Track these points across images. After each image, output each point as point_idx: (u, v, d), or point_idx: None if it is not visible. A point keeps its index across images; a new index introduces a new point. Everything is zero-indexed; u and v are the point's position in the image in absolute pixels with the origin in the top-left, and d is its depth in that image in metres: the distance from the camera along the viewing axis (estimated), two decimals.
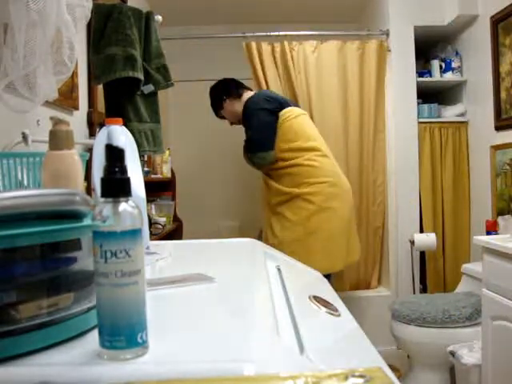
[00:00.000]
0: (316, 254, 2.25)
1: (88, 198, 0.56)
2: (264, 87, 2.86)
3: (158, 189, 2.98)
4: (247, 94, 2.56)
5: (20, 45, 1.05)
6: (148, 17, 1.91)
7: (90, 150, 1.53)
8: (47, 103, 1.48)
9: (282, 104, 2.44)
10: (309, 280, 1.11)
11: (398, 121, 2.91)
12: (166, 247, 1.21)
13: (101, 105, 2.02)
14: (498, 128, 2.60)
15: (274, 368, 0.45)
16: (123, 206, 0.47)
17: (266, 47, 2.87)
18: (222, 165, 3.69)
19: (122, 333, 0.46)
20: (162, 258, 1.02)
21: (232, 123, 2.69)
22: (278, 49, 2.87)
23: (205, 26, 3.46)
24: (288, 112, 2.42)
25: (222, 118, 2.69)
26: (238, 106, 2.56)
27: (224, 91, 2.59)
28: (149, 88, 1.90)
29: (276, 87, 2.86)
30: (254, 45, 2.86)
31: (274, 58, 2.89)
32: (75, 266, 0.53)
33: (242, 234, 3.38)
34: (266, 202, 2.52)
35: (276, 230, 2.39)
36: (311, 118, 2.87)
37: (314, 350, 0.55)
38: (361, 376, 0.41)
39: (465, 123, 2.96)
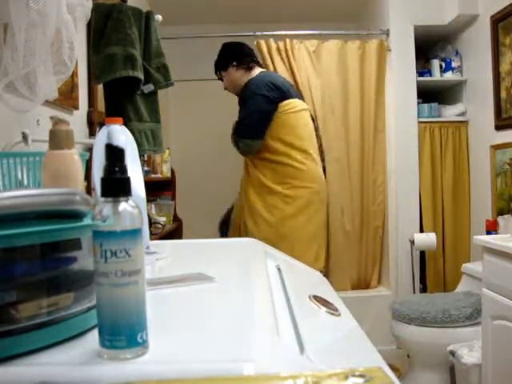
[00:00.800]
0: None
1: (88, 198, 0.56)
2: None
3: (157, 188, 2.98)
4: (255, 71, 2.44)
5: (20, 44, 1.05)
6: (148, 16, 1.91)
7: (89, 149, 1.53)
8: (47, 103, 1.48)
9: (284, 94, 2.34)
10: (309, 280, 1.11)
11: (398, 120, 2.91)
12: (165, 247, 1.21)
13: (101, 104, 2.02)
14: (498, 127, 2.60)
15: (274, 368, 0.45)
16: (123, 206, 0.47)
17: (271, 45, 2.87)
18: (222, 164, 3.69)
19: (122, 332, 0.46)
20: (161, 258, 1.02)
21: (226, 88, 2.57)
22: (282, 48, 2.87)
23: (204, 25, 3.46)
24: (289, 104, 2.33)
25: (220, 79, 2.56)
26: (241, 77, 2.43)
27: (236, 56, 2.46)
28: (149, 87, 1.90)
29: None
30: (264, 43, 2.86)
31: (281, 56, 2.88)
32: (75, 265, 0.53)
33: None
34: (243, 189, 2.46)
35: (248, 224, 2.36)
36: (312, 117, 2.87)
37: (314, 350, 0.55)
38: (361, 376, 0.40)
39: (465, 123, 2.95)
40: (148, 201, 1.60)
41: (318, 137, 2.70)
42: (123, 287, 0.46)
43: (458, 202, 2.93)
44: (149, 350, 0.48)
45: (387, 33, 2.93)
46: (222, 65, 2.50)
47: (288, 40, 2.86)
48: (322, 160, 2.67)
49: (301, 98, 2.56)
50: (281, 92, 2.34)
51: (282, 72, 2.85)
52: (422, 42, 2.93)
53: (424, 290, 2.97)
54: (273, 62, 2.86)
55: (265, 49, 2.86)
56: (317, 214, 2.37)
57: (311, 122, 2.53)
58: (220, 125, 2.90)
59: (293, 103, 2.36)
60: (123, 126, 1.05)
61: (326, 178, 2.62)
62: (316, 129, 2.63)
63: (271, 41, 2.86)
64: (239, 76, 2.45)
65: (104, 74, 1.72)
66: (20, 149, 1.21)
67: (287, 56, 2.86)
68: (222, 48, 2.53)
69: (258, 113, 2.31)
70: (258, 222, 2.34)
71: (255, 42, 2.87)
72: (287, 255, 2.21)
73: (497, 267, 1.78)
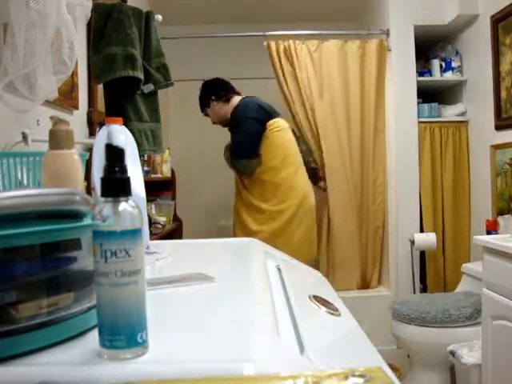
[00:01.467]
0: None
1: (88, 198, 0.56)
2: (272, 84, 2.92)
3: (157, 188, 2.98)
4: (236, 99, 2.58)
5: (20, 44, 1.05)
6: (148, 16, 1.91)
7: (89, 149, 1.53)
8: (47, 103, 1.48)
9: (270, 114, 2.49)
10: (309, 280, 1.11)
11: (398, 120, 2.91)
12: (165, 247, 1.21)
13: (101, 104, 2.01)
14: (498, 127, 2.60)
15: (274, 368, 0.45)
16: (123, 206, 0.47)
17: (279, 46, 2.88)
18: (222, 164, 3.67)
19: (122, 332, 0.46)
20: (161, 258, 1.02)
21: (214, 123, 2.71)
22: (286, 48, 2.88)
23: (204, 25, 3.46)
24: (274, 123, 2.47)
25: (206, 115, 2.71)
26: (224, 109, 2.59)
27: (214, 91, 2.62)
28: (149, 87, 1.90)
29: (283, 86, 2.90)
30: (273, 44, 2.87)
31: (286, 56, 2.89)
32: (75, 265, 0.53)
33: None
34: (235, 208, 2.61)
35: (236, 232, 2.51)
36: (311, 117, 2.88)
37: (314, 350, 0.55)
38: (361, 376, 0.40)
39: (465, 123, 2.95)
40: (148, 201, 1.60)
41: (307, 149, 2.83)
42: (123, 287, 0.46)
43: (458, 201, 2.93)
44: (149, 349, 0.48)
45: (387, 33, 2.93)
46: (204, 102, 2.68)
47: (291, 41, 2.86)
48: (316, 164, 2.83)
49: (280, 117, 2.66)
50: (267, 113, 2.49)
51: (287, 73, 2.86)
52: (422, 42, 2.93)
53: (424, 289, 2.97)
54: (280, 62, 2.87)
55: (273, 48, 2.87)
56: (303, 220, 2.46)
57: (293, 137, 2.64)
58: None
59: (277, 122, 2.50)
60: (123, 126, 1.05)
61: (325, 178, 2.77)
62: (298, 143, 2.71)
63: (280, 42, 2.88)
64: (221, 108, 2.61)
65: (104, 73, 1.72)
66: (20, 149, 1.21)
67: (291, 56, 2.87)
68: (201, 88, 2.70)
69: (252, 134, 2.45)
70: (246, 231, 2.44)
71: (265, 43, 2.87)
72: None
73: (497, 267, 1.78)
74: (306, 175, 2.58)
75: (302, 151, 2.70)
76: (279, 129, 2.48)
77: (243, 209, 2.53)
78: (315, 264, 2.76)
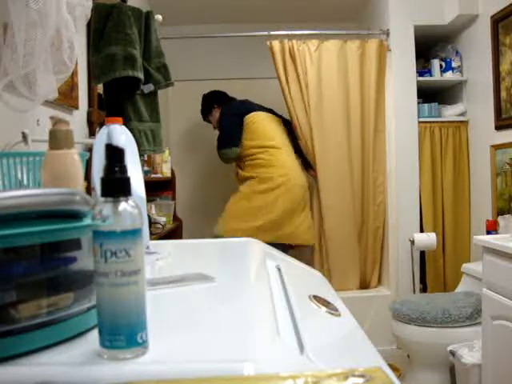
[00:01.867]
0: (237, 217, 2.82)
1: (88, 198, 0.56)
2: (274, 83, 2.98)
3: (157, 188, 2.98)
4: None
5: (20, 44, 1.05)
6: (148, 16, 1.91)
7: (89, 149, 1.53)
8: (47, 102, 1.48)
9: (248, 109, 2.91)
10: (309, 280, 1.11)
11: (398, 120, 2.91)
12: (165, 247, 1.21)
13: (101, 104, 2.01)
14: (498, 127, 2.60)
15: (274, 368, 0.45)
16: (123, 206, 0.47)
17: (284, 45, 2.88)
18: (222, 164, 3.68)
19: (122, 332, 0.46)
20: (161, 258, 1.02)
21: (215, 128, 3.12)
22: (286, 47, 2.88)
23: (204, 25, 3.46)
24: (252, 116, 2.89)
25: (209, 122, 3.17)
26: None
27: (215, 100, 3.06)
28: (149, 87, 1.90)
29: (283, 86, 2.91)
30: (276, 44, 2.87)
31: (290, 55, 2.89)
32: (75, 265, 0.53)
33: None
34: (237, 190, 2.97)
35: (230, 200, 2.94)
36: (311, 117, 2.88)
37: (314, 350, 0.55)
38: (361, 376, 0.40)
39: (465, 123, 2.95)
40: (148, 201, 1.60)
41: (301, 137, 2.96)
42: (123, 287, 0.46)
43: (458, 201, 2.93)
44: (149, 349, 0.48)
45: (387, 33, 2.93)
46: (206, 111, 3.13)
47: (292, 40, 2.86)
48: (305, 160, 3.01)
49: (268, 111, 3.00)
50: (245, 107, 2.93)
51: (289, 71, 2.86)
52: (422, 42, 2.93)
53: (424, 289, 2.97)
54: (283, 62, 2.87)
55: (275, 48, 2.87)
56: (286, 193, 2.78)
57: (282, 125, 2.99)
58: None
59: (256, 115, 2.90)
60: (123, 126, 1.05)
61: (317, 173, 2.94)
62: (292, 131, 2.98)
63: (282, 41, 2.88)
64: (218, 113, 3.05)
65: (104, 73, 1.72)
66: (20, 149, 1.21)
67: (291, 56, 2.87)
68: (202, 98, 3.14)
69: (227, 127, 2.93)
70: (236, 197, 2.90)
71: (268, 43, 2.87)
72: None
73: (497, 267, 1.78)
74: (292, 156, 2.91)
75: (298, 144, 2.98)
76: (258, 119, 2.89)
77: (239, 185, 2.95)
78: (311, 249, 2.98)
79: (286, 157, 2.87)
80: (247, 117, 2.89)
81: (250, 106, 2.95)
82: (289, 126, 3.00)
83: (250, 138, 2.87)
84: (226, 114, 2.96)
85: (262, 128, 2.89)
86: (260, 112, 2.93)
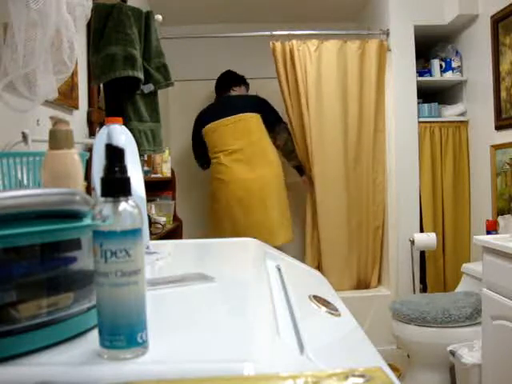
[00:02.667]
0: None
1: (88, 198, 0.56)
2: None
3: (157, 188, 2.98)
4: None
5: (20, 44, 1.05)
6: (148, 16, 1.91)
7: (89, 149, 1.53)
8: (47, 103, 1.48)
9: (205, 121, 3.00)
10: (309, 280, 1.11)
11: (398, 120, 2.91)
12: (165, 247, 1.21)
13: (101, 104, 2.01)
14: (498, 127, 2.60)
15: (274, 368, 0.45)
16: (123, 206, 0.47)
17: (285, 46, 2.88)
18: None
19: (122, 332, 0.46)
20: (161, 258, 1.02)
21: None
22: (287, 48, 2.88)
23: (204, 25, 3.45)
24: (207, 128, 2.99)
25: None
26: None
27: (234, 80, 3.14)
28: (149, 87, 1.90)
29: (283, 86, 2.91)
30: (277, 44, 2.88)
31: (290, 56, 2.90)
32: (75, 265, 0.53)
33: None
34: None
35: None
36: (311, 117, 2.87)
37: (314, 350, 0.55)
38: (361, 376, 0.40)
39: (465, 123, 2.95)
40: (148, 201, 1.60)
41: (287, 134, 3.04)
42: (123, 287, 0.46)
43: (458, 201, 2.93)
44: (149, 349, 0.48)
45: (387, 33, 2.93)
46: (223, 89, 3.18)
47: (295, 41, 2.86)
48: (298, 162, 3.04)
49: (231, 114, 2.97)
50: (201, 121, 3.03)
51: (289, 71, 2.86)
52: (422, 42, 2.93)
53: (424, 289, 2.97)
54: (284, 62, 2.87)
55: (277, 48, 2.87)
56: (224, 196, 2.90)
57: (233, 131, 2.94)
58: None
59: (211, 126, 2.97)
60: (123, 126, 1.05)
61: (315, 173, 2.90)
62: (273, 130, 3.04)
63: (283, 42, 2.88)
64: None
65: (104, 73, 1.72)
66: (20, 149, 1.21)
67: (291, 56, 2.87)
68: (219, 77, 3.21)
69: (192, 142, 3.17)
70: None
71: (271, 44, 2.87)
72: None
73: (497, 267, 1.78)
74: (243, 158, 2.93)
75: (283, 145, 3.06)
76: (212, 130, 2.99)
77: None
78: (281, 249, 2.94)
79: (236, 165, 2.92)
80: (204, 129, 3.02)
81: (208, 119, 3.02)
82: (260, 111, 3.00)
83: (209, 146, 3.04)
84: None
85: (219, 135, 2.99)
86: (216, 122, 2.98)
